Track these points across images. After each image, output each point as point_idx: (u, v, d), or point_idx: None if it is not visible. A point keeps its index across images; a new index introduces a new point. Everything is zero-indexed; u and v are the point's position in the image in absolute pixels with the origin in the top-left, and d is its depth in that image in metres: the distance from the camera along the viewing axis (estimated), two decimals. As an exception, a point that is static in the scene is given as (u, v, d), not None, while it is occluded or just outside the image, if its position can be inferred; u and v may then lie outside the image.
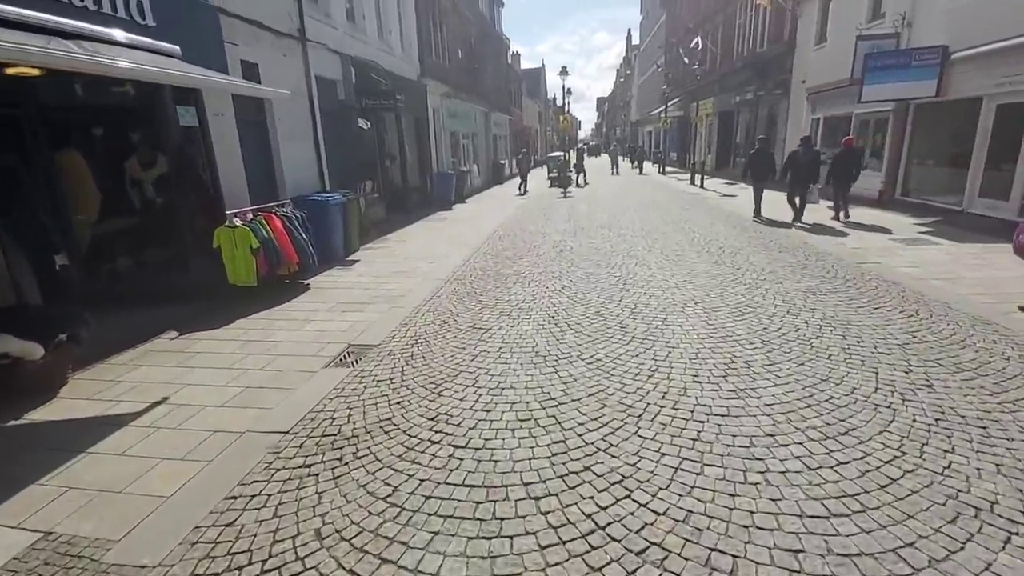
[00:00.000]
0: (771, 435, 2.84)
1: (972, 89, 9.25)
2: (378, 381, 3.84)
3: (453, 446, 2.92)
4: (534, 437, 2.95)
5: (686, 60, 29.03)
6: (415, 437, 3.03)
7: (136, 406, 3.61)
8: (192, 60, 5.67)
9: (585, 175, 21.75)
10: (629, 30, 69.02)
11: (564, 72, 19.55)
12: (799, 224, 9.77)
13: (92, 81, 5.55)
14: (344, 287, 6.76)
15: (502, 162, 25.91)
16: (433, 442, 2.97)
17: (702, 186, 18.58)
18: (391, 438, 3.04)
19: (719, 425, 2.97)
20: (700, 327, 4.57)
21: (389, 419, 3.26)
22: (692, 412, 3.13)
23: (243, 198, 7.09)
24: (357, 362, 4.28)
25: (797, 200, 10.02)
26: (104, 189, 6.04)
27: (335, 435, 3.11)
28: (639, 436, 2.90)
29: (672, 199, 15.17)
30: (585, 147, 28.43)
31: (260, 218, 6.36)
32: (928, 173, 10.99)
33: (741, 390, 3.38)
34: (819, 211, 10.61)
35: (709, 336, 4.35)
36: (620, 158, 34.09)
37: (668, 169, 28.36)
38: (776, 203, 11.00)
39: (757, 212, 10.85)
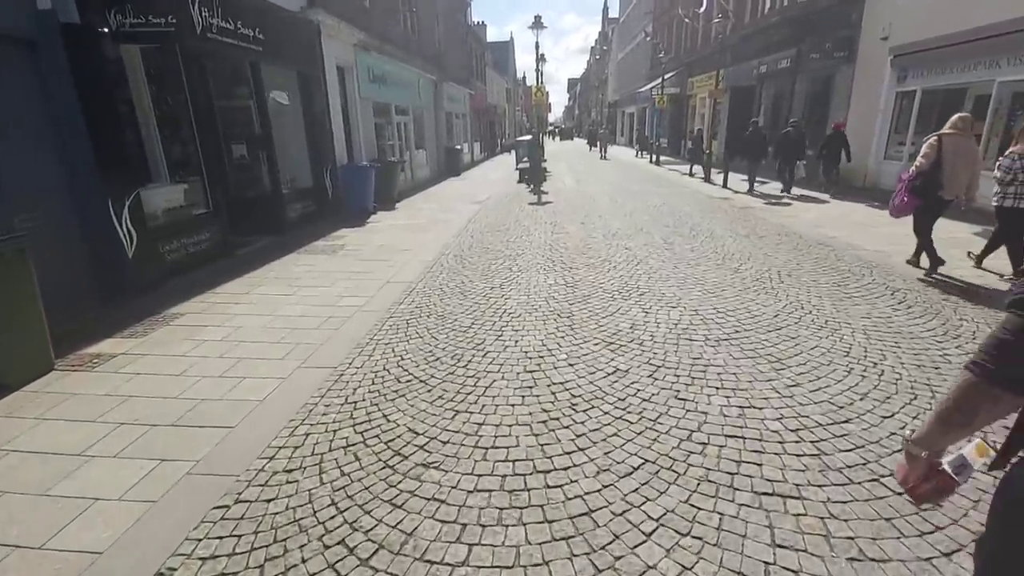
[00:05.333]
0: None
1: None
2: None
3: None
4: None
5: (687, 21, 23.93)
6: None
7: None
8: None
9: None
10: (606, 1, 63.42)
11: (538, 23, 14.01)
12: (787, 195, 11.40)
13: None
14: None
15: (458, 147, 20.27)
16: None
17: (725, 185, 13.54)
18: None
19: None
20: None
21: None
22: None
23: None
24: None
25: (787, 174, 11.60)
26: None
27: None
28: None
29: (704, 212, 10.02)
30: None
31: None
32: None
33: None
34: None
35: None
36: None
37: (662, 158, 23.21)
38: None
39: (751, 190, 12.32)
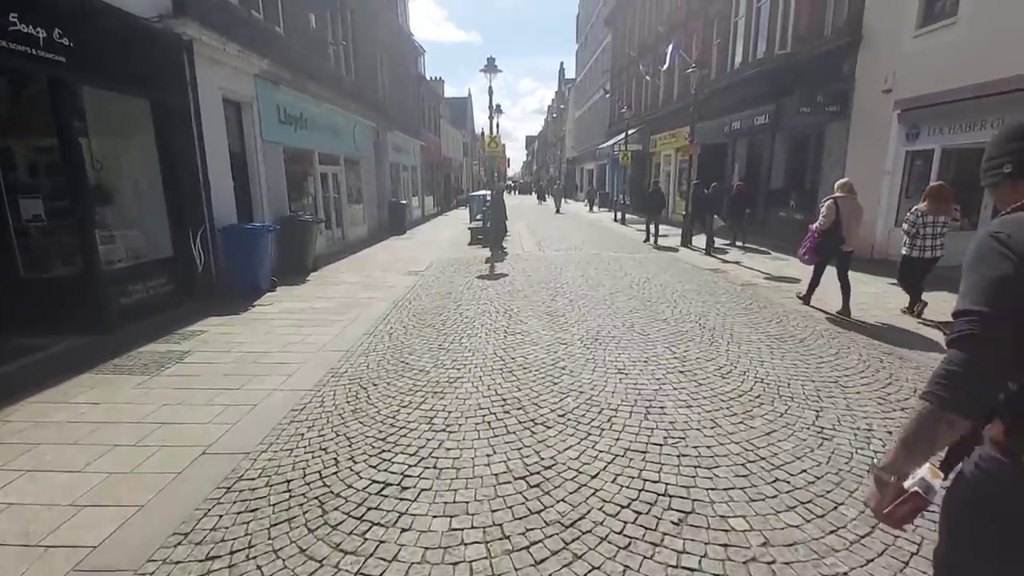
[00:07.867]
0: None
1: None
2: None
3: None
4: None
5: (648, 78, 23.19)
6: None
7: None
8: None
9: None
10: (562, 63, 65.16)
11: (492, 66, 12.17)
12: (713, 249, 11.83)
13: None
14: None
15: (404, 202, 17.94)
16: None
17: (710, 252, 11.63)
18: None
19: None
20: None
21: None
22: None
23: None
24: None
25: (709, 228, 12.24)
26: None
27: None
28: None
29: (703, 293, 7.86)
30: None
31: None
32: None
33: None
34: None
35: None
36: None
37: (627, 216, 21.59)
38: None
39: (648, 239, 14.04)
